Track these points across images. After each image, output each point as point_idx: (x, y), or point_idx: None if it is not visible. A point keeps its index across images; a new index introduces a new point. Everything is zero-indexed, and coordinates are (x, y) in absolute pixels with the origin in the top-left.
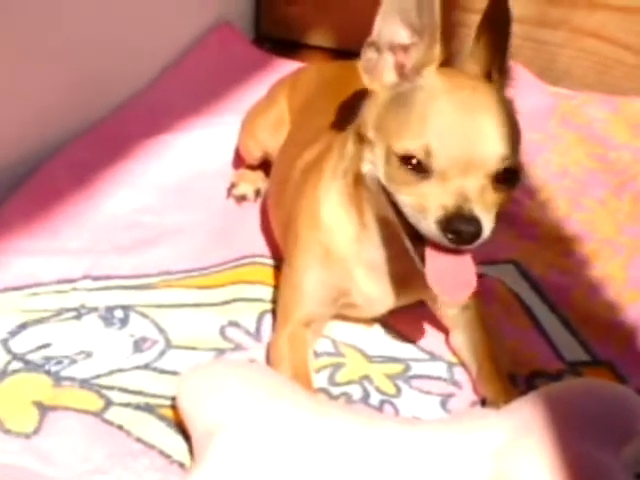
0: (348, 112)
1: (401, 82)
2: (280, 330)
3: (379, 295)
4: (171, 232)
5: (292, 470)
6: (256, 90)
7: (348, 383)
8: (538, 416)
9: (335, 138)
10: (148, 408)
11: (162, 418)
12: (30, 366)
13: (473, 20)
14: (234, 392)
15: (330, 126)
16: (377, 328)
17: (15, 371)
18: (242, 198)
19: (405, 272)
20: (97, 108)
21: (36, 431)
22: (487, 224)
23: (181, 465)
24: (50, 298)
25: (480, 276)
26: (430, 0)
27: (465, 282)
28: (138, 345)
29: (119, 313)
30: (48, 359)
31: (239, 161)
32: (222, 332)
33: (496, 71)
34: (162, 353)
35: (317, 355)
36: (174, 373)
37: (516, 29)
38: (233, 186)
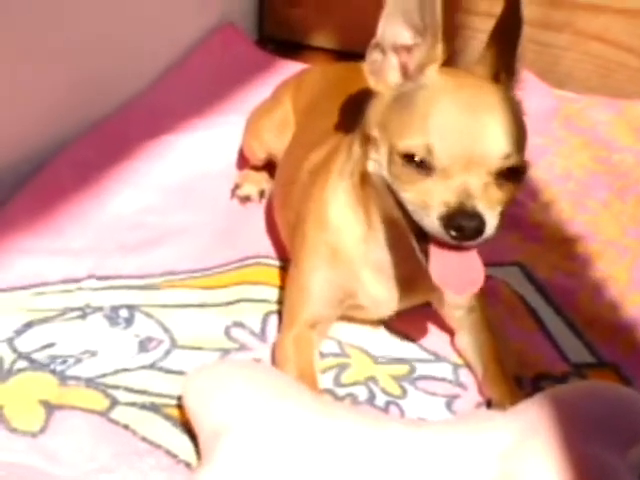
0: (354, 113)
1: (405, 82)
2: (286, 331)
3: (385, 297)
4: (175, 232)
5: (298, 471)
6: (259, 91)
7: (354, 384)
8: (544, 418)
9: (342, 139)
10: (154, 408)
11: (168, 418)
12: (36, 365)
13: (476, 22)
14: (240, 392)
15: (336, 127)
16: (382, 329)
17: (21, 370)
18: (246, 199)
19: (412, 274)
20: (100, 107)
21: (42, 430)
22: (491, 220)
23: (187, 465)
24: (55, 297)
25: (486, 278)
26: (432, 0)
27: (471, 279)
28: (143, 345)
29: (124, 313)
30: (53, 358)
31: (243, 162)
32: (227, 332)
33: (504, 72)
34: (167, 353)
35: (323, 356)
36: (180, 373)
37: None
38: (237, 187)
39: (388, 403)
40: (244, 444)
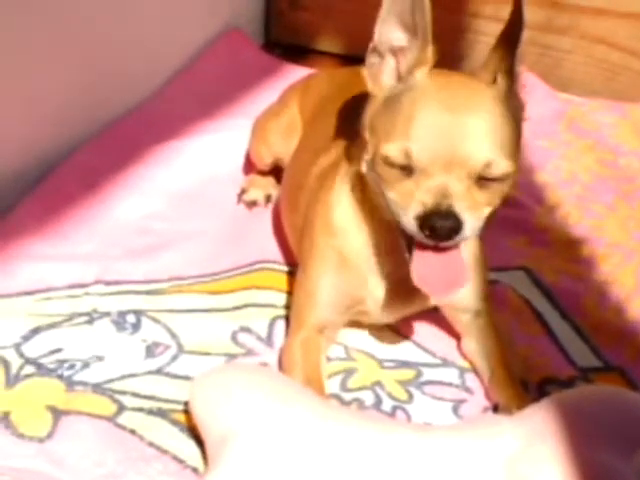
0: (358, 117)
1: (397, 85)
2: (293, 336)
3: (392, 302)
4: (182, 237)
5: (305, 476)
6: (266, 95)
7: (360, 389)
8: (550, 422)
9: (349, 143)
10: (161, 413)
11: (175, 423)
12: (43, 371)
13: (481, 25)
14: (247, 398)
15: (342, 132)
16: (389, 334)
17: (28, 376)
18: (252, 204)
19: None
20: (107, 113)
21: (50, 435)
22: (469, 221)
23: (194, 470)
24: (62, 303)
25: (492, 283)
26: (421, 1)
27: (450, 280)
28: (150, 350)
29: (131, 318)
30: (61, 364)
31: (249, 167)
32: (234, 337)
33: (506, 75)
34: (174, 358)
35: (329, 360)
36: (186, 378)
37: (523, 34)
38: (243, 192)
39: (395, 408)
40: (251, 449)
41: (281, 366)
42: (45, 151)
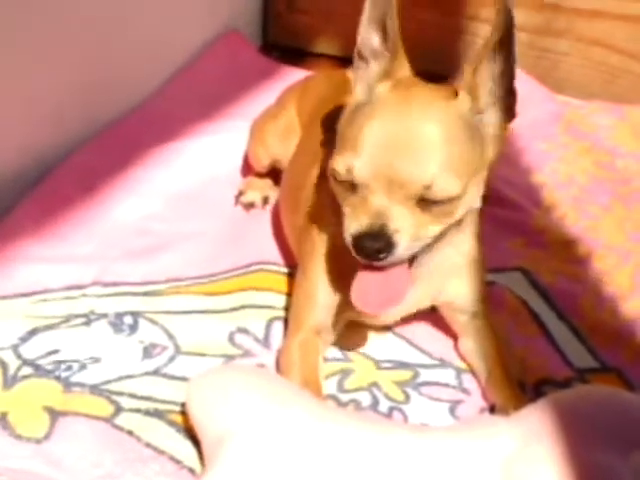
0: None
1: (366, 94)
2: (292, 337)
3: None
4: (180, 239)
5: (302, 477)
6: (264, 98)
7: (357, 390)
8: (547, 423)
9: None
10: (158, 414)
11: (172, 424)
12: (40, 372)
13: (478, 28)
14: (243, 399)
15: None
16: (386, 334)
17: (25, 377)
18: (250, 205)
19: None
20: (106, 114)
21: (47, 436)
22: (402, 243)
23: (191, 471)
24: (59, 304)
25: (489, 284)
26: (392, 12)
27: (385, 298)
28: (148, 351)
29: (128, 319)
30: (58, 365)
31: (247, 168)
32: (231, 338)
33: (470, 89)
34: (172, 359)
35: (326, 360)
36: (183, 379)
37: (520, 36)
38: (241, 194)
39: (391, 409)
40: (248, 450)
41: (279, 367)
42: (43, 152)
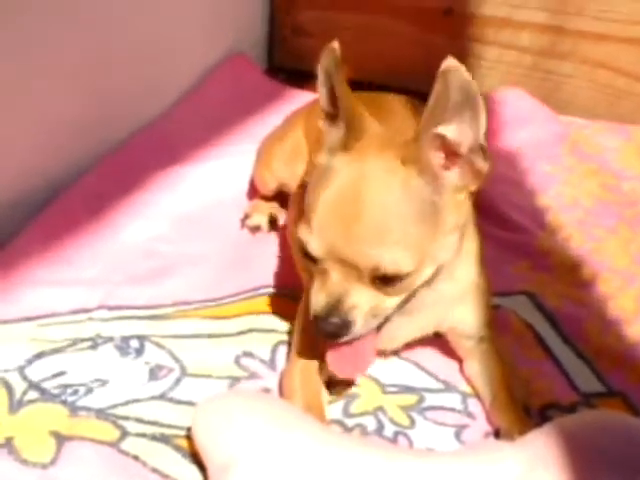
0: None
1: (328, 159)
2: (293, 361)
3: (392, 331)
4: (186, 262)
5: None
6: (270, 120)
7: (362, 414)
8: (552, 448)
9: None
10: (164, 439)
11: (178, 449)
12: (46, 396)
13: (481, 50)
14: (249, 425)
15: None
16: (392, 357)
17: (31, 401)
18: (256, 229)
19: (411, 307)
20: (112, 139)
21: (53, 461)
22: (359, 320)
23: None
24: (66, 328)
25: (494, 307)
26: (338, 79)
27: (354, 366)
28: (154, 373)
29: (135, 343)
30: (64, 389)
31: (253, 191)
32: (237, 361)
33: (417, 161)
34: (177, 381)
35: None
36: (189, 403)
37: (525, 58)
38: (246, 217)
39: (397, 433)
40: (253, 476)
41: (281, 392)
42: (50, 176)
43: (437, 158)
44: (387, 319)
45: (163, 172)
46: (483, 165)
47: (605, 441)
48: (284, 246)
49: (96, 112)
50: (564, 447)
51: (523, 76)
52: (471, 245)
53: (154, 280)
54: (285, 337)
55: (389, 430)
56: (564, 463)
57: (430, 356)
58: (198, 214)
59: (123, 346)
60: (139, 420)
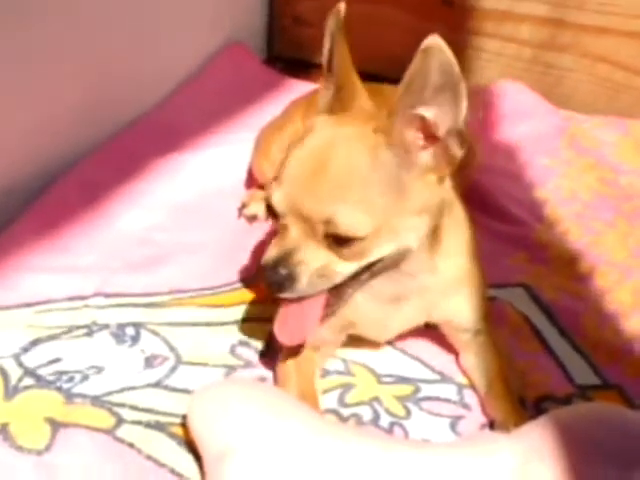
0: None
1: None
2: (288, 349)
3: (383, 322)
4: (182, 250)
5: None
6: (268, 109)
7: (358, 404)
8: (548, 440)
9: None
10: (159, 426)
11: (173, 436)
12: (42, 382)
13: (480, 42)
14: (244, 414)
15: None
16: (388, 348)
17: (27, 387)
18: (253, 218)
19: (402, 297)
20: (110, 126)
21: (48, 448)
22: (304, 277)
23: None
24: (62, 315)
25: (491, 299)
26: (339, 41)
27: (295, 330)
28: (149, 361)
29: (130, 330)
30: (60, 375)
31: (251, 181)
32: (232, 350)
33: (389, 133)
34: (173, 369)
35: (327, 374)
36: (185, 391)
37: (525, 51)
38: (244, 206)
39: (392, 424)
40: (249, 465)
41: (276, 380)
42: (47, 163)
43: (414, 137)
44: (344, 292)
45: (161, 161)
46: (458, 151)
47: (601, 433)
48: None
49: (94, 100)
50: (559, 439)
51: (523, 69)
52: (457, 239)
53: (150, 268)
54: None
55: (385, 420)
56: (559, 455)
57: (426, 347)
58: (195, 203)
59: (119, 333)
60: (134, 408)
